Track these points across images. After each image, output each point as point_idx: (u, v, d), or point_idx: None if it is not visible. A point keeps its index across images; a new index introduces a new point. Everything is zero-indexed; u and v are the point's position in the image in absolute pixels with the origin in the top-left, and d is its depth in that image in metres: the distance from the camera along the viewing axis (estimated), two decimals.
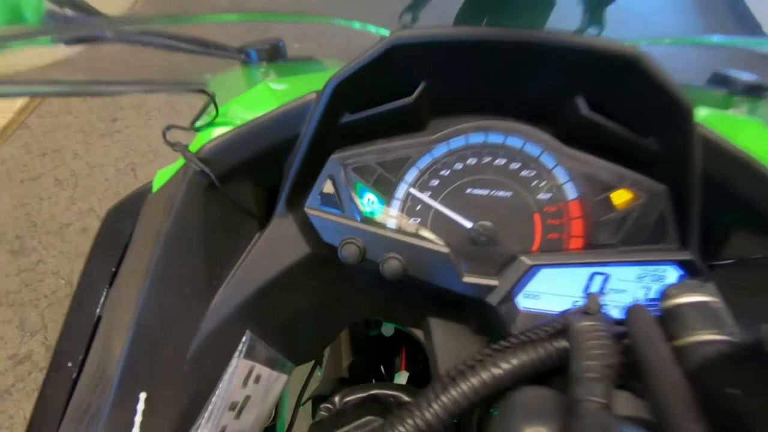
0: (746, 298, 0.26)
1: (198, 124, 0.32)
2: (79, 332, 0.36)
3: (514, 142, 0.30)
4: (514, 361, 0.19)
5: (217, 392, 0.29)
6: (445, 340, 0.35)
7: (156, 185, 0.34)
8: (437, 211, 0.31)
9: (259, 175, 0.34)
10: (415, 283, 0.32)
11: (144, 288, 0.31)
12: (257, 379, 0.33)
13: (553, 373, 0.22)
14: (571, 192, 0.30)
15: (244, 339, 0.30)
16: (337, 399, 0.35)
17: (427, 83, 0.29)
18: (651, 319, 0.17)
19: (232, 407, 0.31)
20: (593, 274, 0.30)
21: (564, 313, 0.22)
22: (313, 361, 0.53)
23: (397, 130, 0.31)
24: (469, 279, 0.30)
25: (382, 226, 0.31)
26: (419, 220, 0.31)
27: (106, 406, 0.29)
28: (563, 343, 0.21)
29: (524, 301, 0.31)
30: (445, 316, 0.36)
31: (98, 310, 0.35)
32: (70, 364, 0.35)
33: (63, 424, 0.31)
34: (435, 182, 0.31)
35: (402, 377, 0.57)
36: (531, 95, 0.30)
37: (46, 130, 1.52)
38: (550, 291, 0.30)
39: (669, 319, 0.20)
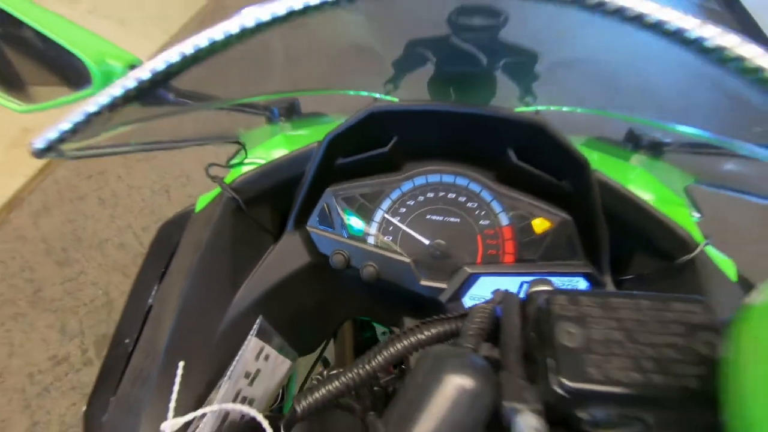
0: None
1: (232, 162, 0.44)
2: (134, 317, 0.47)
3: (461, 181, 0.41)
4: (432, 330, 0.28)
5: (235, 361, 0.40)
6: None
7: (198, 207, 0.46)
8: (404, 232, 0.41)
9: (274, 201, 0.45)
10: (388, 287, 0.42)
11: (185, 285, 0.41)
12: (266, 358, 0.43)
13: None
14: (503, 220, 0.40)
15: (257, 321, 0.40)
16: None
17: (398, 138, 0.40)
18: (516, 298, 0.27)
19: (247, 375, 0.41)
20: (522, 283, 0.40)
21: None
22: (315, 357, 0.62)
23: (376, 170, 0.42)
24: (425, 282, 0.40)
25: (363, 241, 0.42)
26: (391, 237, 0.42)
27: (155, 371, 0.39)
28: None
29: (469, 302, 0.40)
30: (416, 316, 0.46)
31: (150, 301, 0.46)
32: (127, 341, 0.46)
33: (121, 386, 0.41)
34: (403, 210, 0.41)
35: None
36: (476, 147, 0.41)
37: None
38: (490, 294, 0.40)
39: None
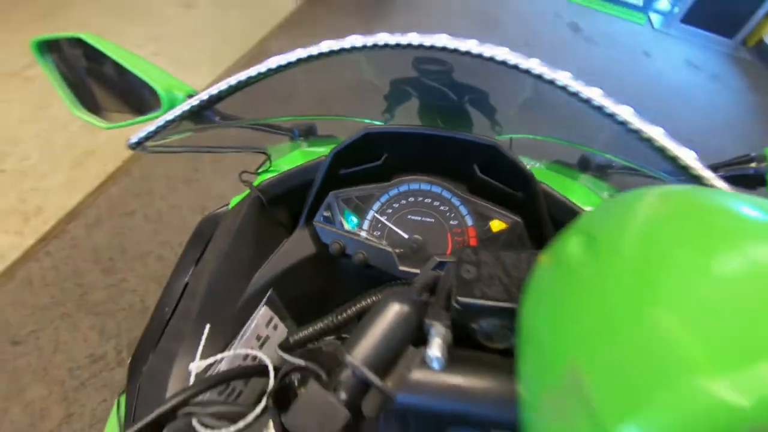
0: None
1: (260, 170, 0.56)
2: (174, 292, 0.58)
3: (436, 189, 0.51)
4: (392, 288, 0.38)
5: (249, 321, 0.50)
6: None
7: (231, 204, 0.58)
8: (390, 228, 0.52)
9: (290, 202, 0.57)
10: (374, 273, 0.51)
11: (215, 265, 0.53)
12: (275, 327, 0.52)
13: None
14: (468, 220, 0.50)
15: (268, 292, 0.51)
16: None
17: (388, 154, 0.51)
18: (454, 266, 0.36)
19: (258, 338, 0.51)
20: None
21: None
22: None
23: (371, 179, 0.53)
24: (402, 268, 0.50)
25: (357, 234, 0.52)
26: (378, 232, 0.52)
27: (187, 332, 0.50)
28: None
29: None
30: None
31: (186, 279, 0.58)
32: (166, 309, 0.57)
33: (160, 343, 0.52)
34: (389, 210, 0.52)
35: None
36: (449, 163, 0.51)
37: (143, 175, 1.90)
38: None
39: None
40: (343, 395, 0.29)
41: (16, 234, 1.61)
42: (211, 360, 0.45)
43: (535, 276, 0.24)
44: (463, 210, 0.50)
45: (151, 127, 0.39)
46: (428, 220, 0.50)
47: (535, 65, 0.33)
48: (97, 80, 0.63)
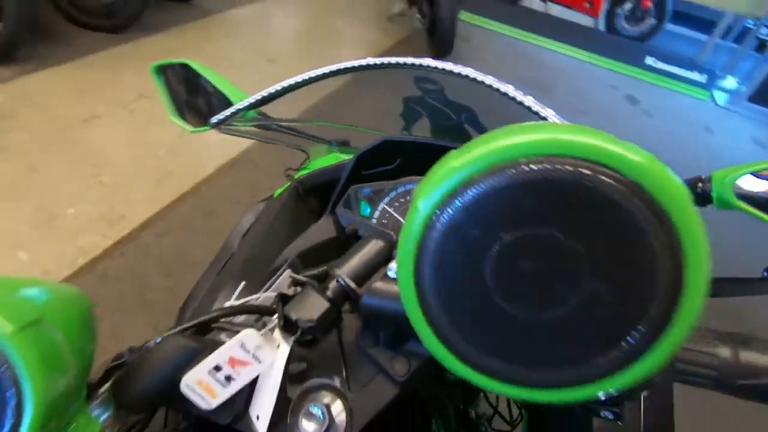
0: None
1: (301, 168, 0.71)
2: (223, 257, 0.72)
3: None
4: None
5: (274, 278, 0.62)
6: None
7: (276, 194, 0.72)
8: (395, 218, 0.63)
9: (320, 194, 0.70)
10: None
11: (256, 238, 0.66)
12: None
13: None
14: None
15: (291, 257, 0.63)
16: None
17: (401, 159, 0.64)
18: None
19: None
20: None
21: None
22: None
23: (384, 178, 0.65)
24: None
25: (369, 220, 0.64)
26: (386, 221, 0.63)
27: (228, 285, 0.62)
28: None
29: None
30: None
31: (234, 249, 0.72)
32: (215, 269, 0.71)
33: (205, 294, 0.65)
34: (397, 204, 0.63)
35: None
36: None
37: (211, 197, 2.15)
38: None
39: None
40: (329, 294, 0.39)
41: (102, 235, 1.88)
42: (242, 300, 0.57)
43: None
44: None
45: (227, 111, 0.54)
46: None
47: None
48: (191, 95, 0.82)
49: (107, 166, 2.19)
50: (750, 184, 0.46)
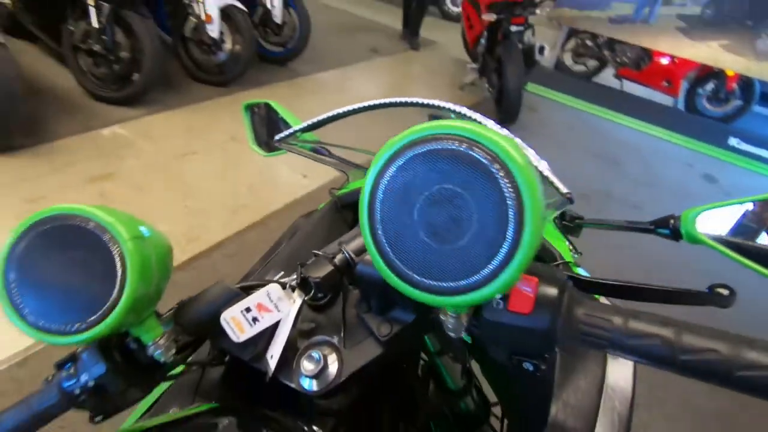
0: None
1: (342, 187, 0.86)
2: (273, 251, 0.87)
3: None
4: None
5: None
6: None
7: (319, 207, 0.87)
8: None
9: (355, 208, 0.84)
10: None
11: (299, 240, 0.81)
12: None
13: None
14: None
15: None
16: None
17: None
18: None
19: None
20: None
21: None
22: None
23: None
24: None
25: None
26: None
27: (273, 270, 0.77)
28: None
29: None
30: None
31: (282, 246, 0.87)
32: (266, 262, 0.86)
33: (254, 277, 0.80)
34: None
35: None
36: None
37: (276, 227, 2.40)
38: None
39: None
40: (335, 262, 0.52)
41: (180, 250, 2.16)
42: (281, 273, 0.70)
43: None
44: None
45: (289, 131, 0.71)
46: None
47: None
48: (269, 129, 1.03)
49: (194, 193, 2.54)
50: (710, 221, 0.52)
